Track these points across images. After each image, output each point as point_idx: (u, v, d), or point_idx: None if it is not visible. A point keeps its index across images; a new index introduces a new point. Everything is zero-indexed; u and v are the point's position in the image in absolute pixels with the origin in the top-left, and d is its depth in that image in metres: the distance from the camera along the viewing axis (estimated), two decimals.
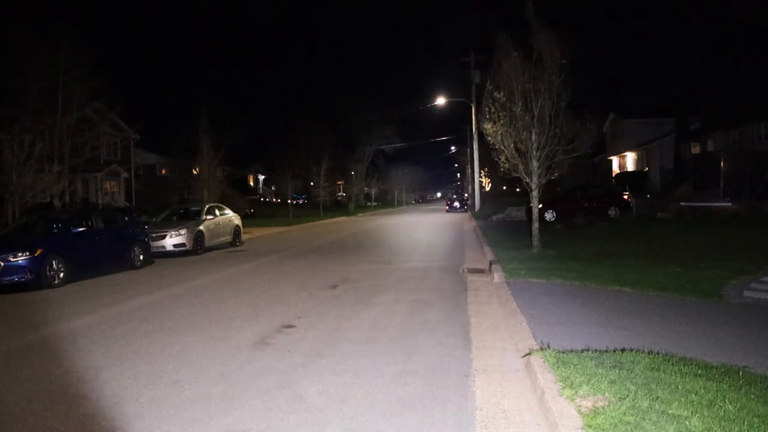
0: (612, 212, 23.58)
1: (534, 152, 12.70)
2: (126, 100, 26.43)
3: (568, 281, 8.86)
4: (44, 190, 20.55)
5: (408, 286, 9.84)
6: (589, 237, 16.33)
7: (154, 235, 15.85)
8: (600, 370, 4.23)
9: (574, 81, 12.49)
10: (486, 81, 14.18)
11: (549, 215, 23.64)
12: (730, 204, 20.81)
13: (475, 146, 38.38)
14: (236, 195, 41.32)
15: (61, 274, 11.17)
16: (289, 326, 6.88)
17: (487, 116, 13.41)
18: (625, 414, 3.44)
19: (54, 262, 11.04)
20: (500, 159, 13.38)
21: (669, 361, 4.59)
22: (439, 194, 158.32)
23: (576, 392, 3.84)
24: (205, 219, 17.88)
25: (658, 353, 4.81)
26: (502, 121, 12.88)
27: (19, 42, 19.83)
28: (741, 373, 4.37)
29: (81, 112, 23.37)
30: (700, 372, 4.32)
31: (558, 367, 4.35)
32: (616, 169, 42.85)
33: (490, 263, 11.18)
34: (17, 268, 10.57)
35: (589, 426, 3.34)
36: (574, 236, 16.82)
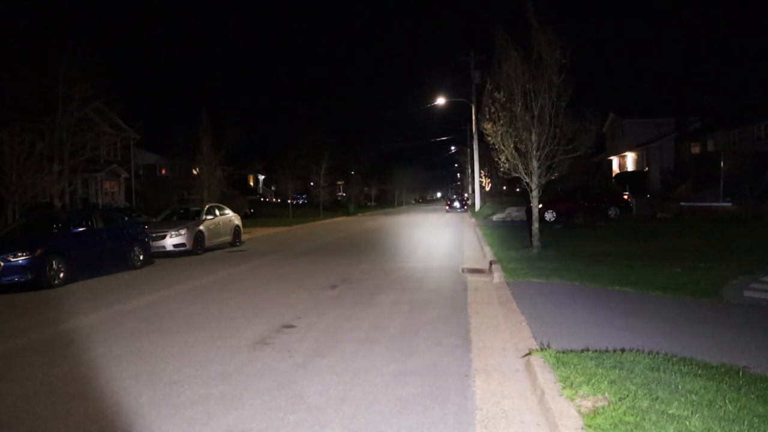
0: (612, 212, 23.59)
1: (534, 152, 12.70)
2: (126, 100, 26.37)
3: (568, 281, 8.85)
4: (44, 190, 20.54)
5: (408, 286, 9.84)
6: (589, 237, 16.33)
7: (154, 235, 15.85)
8: (600, 370, 4.23)
9: (574, 81, 12.50)
10: (486, 81, 14.18)
11: (549, 215, 23.64)
12: (730, 204, 20.81)
13: (475, 146, 38.38)
14: (236, 195, 41.35)
15: (61, 274, 11.16)
16: (289, 326, 6.88)
17: (487, 116, 13.41)
18: (625, 414, 3.44)
19: (54, 262, 11.03)
20: (500, 159, 13.39)
21: (669, 361, 4.59)
22: (439, 194, 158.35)
23: (576, 392, 3.84)
24: (205, 219, 17.88)
25: (658, 353, 4.81)
26: (502, 121, 12.88)
27: (20, 42, 19.82)
28: (741, 373, 4.37)
29: (81, 112, 23.35)
30: (700, 372, 4.32)
31: (558, 367, 4.35)
32: (616, 169, 42.84)
33: (490, 263, 11.17)
34: (17, 268, 10.56)
35: (589, 426, 3.33)
36: (574, 236, 16.82)
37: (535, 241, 13.11)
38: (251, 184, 67.70)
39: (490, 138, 13.51)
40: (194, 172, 31.47)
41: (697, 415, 3.42)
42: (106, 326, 7.24)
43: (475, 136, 37.31)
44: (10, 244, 11.15)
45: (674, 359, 4.65)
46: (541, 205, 14.55)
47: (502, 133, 12.91)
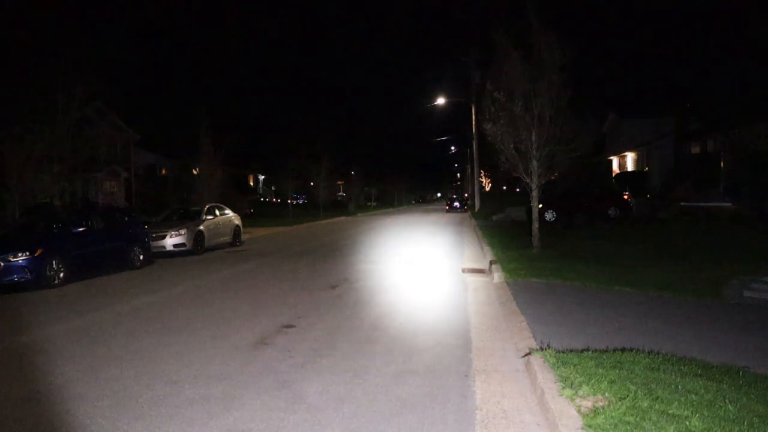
0: (612, 212, 23.56)
1: (534, 152, 12.70)
2: (126, 100, 26.40)
3: (568, 281, 8.85)
4: (44, 190, 20.53)
5: (408, 286, 9.85)
6: (589, 237, 16.32)
7: (154, 235, 15.86)
8: (600, 370, 4.23)
9: (575, 81, 12.49)
10: (486, 81, 14.17)
11: (549, 215, 23.63)
12: (730, 204, 20.82)
13: (475, 146, 38.39)
14: (236, 195, 41.33)
15: (61, 274, 11.17)
16: (289, 326, 6.88)
17: (487, 116, 13.40)
18: (625, 414, 3.44)
19: (54, 262, 11.04)
20: (500, 159, 13.38)
21: (669, 361, 4.59)
22: (439, 194, 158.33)
23: (576, 392, 3.84)
24: (205, 219, 17.89)
25: (658, 353, 4.81)
26: (502, 121, 12.88)
27: (20, 42, 19.81)
28: (741, 373, 4.37)
29: (81, 112, 23.35)
30: (700, 372, 4.32)
31: (558, 367, 4.35)
32: (616, 169, 42.82)
33: (490, 263, 11.17)
34: (17, 268, 10.57)
35: (589, 426, 3.33)
36: (574, 236, 16.81)
37: (535, 241, 13.11)
38: (251, 184, 67.67)
39: (490, 138, 13.51)
40: (194, 172, 31.49)
41: (697, 415, 3.42)
42: (106, 326, 7.24)
43: (475, 136, 37.31)
44: (10, 244, 11.15)
45: (674, 359, 4.65)
46: (541, 205, 14.54)
47: (502, 133, 12.90)
